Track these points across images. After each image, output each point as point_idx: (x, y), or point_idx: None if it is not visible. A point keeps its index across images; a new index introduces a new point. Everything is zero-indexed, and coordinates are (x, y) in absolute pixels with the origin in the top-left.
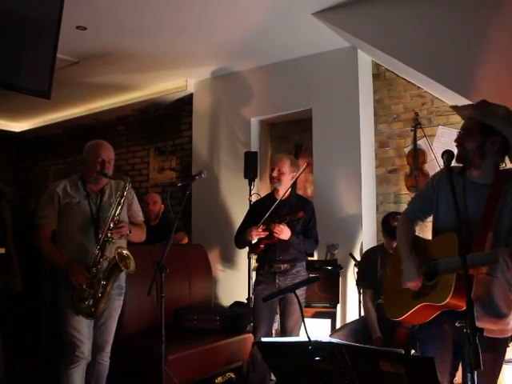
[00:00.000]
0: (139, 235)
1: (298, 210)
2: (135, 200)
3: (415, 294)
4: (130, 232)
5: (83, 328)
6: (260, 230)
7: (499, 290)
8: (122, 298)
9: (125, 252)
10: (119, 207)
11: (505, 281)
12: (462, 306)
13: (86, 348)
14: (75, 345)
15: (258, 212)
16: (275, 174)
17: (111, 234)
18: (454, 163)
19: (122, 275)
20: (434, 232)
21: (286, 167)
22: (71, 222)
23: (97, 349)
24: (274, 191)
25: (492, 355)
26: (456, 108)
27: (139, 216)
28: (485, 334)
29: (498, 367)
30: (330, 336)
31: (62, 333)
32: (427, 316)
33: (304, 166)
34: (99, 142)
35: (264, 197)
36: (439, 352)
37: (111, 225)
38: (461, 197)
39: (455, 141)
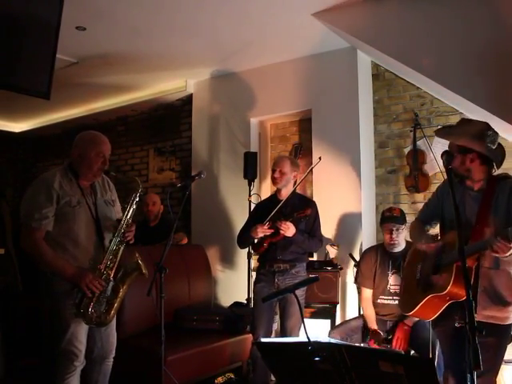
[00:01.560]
0: None
1: (304, 208)
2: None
3: (424, 288)
4: None
5: (83, 336)
6: (266, 227)
7: (502, 281)
8: None
9: (139, 259)
10: (131, 209)
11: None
12: (463, 294)
13: (82, 356)
14: (74, 354)
15: (261, 213)
16: (277, 174)
17: (123, 236)
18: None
19: None
20: (442, 235)
21: (287, 167)
22: (74, 225)
23: (105, 354)
24: (276, 192)
25: (496, 339)
26: (436, 132)
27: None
28: (492, 321)
29: (502, 350)
30: (330, 332)
31: (60, 338)
32: (436, 309)
33: (317, 161)
34: (98, 135)
35: (267, 198)
36: (448, 347)
37: (124, 227)
38: (461, 204)
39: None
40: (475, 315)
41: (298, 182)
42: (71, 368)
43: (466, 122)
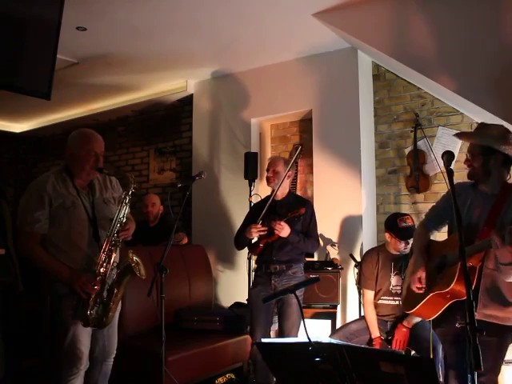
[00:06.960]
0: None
1: (299, 207)
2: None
3: (428, 286)
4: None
5: (86, 338)
6: (259, 226)
7: (505, 282)
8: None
9: (135, 258)
10: (125, 208)
11: (497, 257)
12: (465, 293)
13: (86, 358)
14: (77, 356)
15: (257, 213)
16: (270, 174)
17: (117, 236)
18: (463, 180)
19: None
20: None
21: (280, 166)
22: (69, 227)
23: (106, 354)
24: (272, 193)
25: (497, 339)
26: (458, 135)
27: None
28: (492, 320)
29: (503, 350)
30: (330, 337)
31: (61, 340)
32: (437, 308)
33: (299, 149)
34: (89, 132)
35: (263, 199)
36: (450, 348)
37: (118, 227)
38: (471, 207)
39: (464, 162)
40: (475, 313)
41: (284, 178)
42: (74, 370)
43: (485, 126)
